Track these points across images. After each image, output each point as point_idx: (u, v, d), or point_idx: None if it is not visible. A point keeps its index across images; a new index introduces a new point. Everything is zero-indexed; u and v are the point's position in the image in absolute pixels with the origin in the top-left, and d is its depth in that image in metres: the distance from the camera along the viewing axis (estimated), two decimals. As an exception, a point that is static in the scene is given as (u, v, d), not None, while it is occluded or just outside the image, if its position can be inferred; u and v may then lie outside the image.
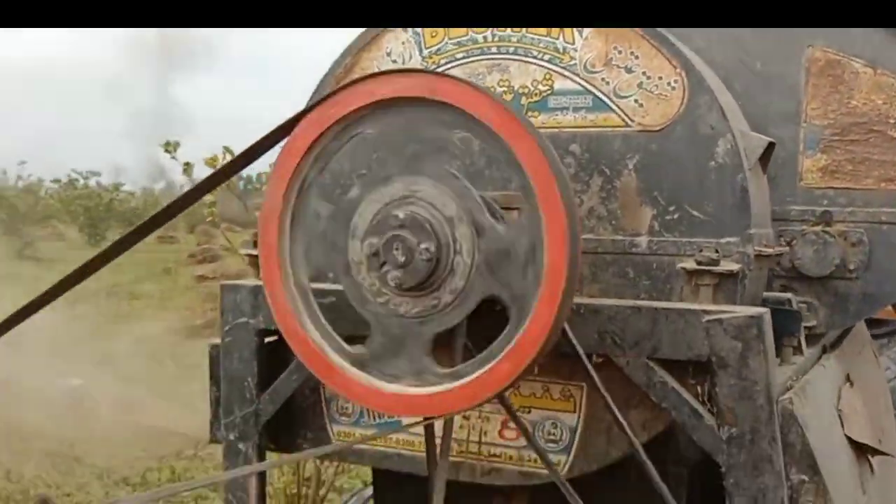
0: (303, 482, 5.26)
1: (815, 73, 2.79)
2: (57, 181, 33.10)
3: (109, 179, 36.10)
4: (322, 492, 5.27)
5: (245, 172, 6.27)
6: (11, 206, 26.20)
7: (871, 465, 2.68)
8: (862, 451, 2.58)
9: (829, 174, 2.78)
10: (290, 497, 5.21)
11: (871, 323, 4.79)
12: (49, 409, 8.81)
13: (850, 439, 2.49)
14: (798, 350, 2.53)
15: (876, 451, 2.63)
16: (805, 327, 2.68)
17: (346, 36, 2.64)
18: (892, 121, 2.72)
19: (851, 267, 2.75)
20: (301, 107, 2.13)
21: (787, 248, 2.69)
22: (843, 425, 2.48)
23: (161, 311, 15.92)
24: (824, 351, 2.87)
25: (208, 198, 5.03)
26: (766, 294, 2.53)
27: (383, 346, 2.04)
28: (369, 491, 3.72)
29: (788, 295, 2.58)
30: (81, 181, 32.90)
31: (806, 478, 2.07)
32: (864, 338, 3.66)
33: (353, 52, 2.62)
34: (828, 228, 2.75)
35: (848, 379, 2.82)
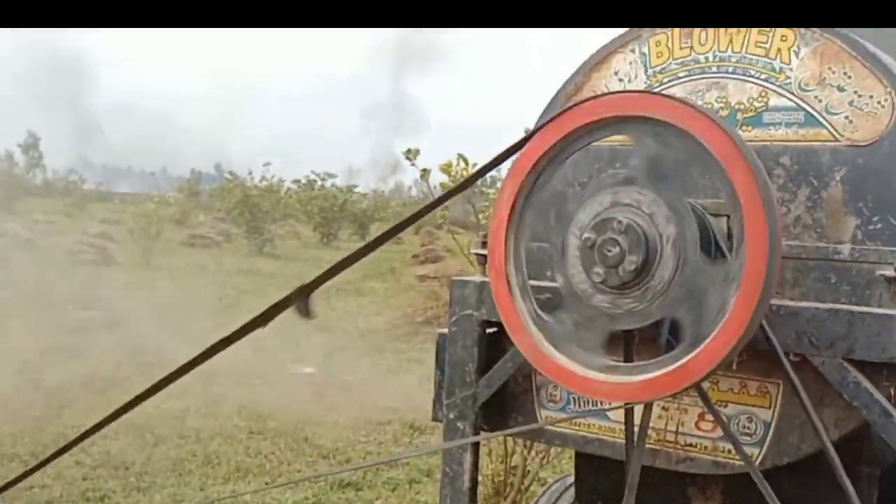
0: (509, 471, 5.53)
1: None
2: (297, 182, 35.07)
3: (344, 180, 37.93)
4: (526, 482, 5.52)
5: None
6: (255, 205, 27.92)
7: None
8: None
9: None
10: (496, 484, 5.50)
11: None
12: (283, 394, 9.52)
13: None
14: None
15: None
16: None
17: (584, 36, 2.81)
18: None
19: None
20: (537, 110, 2.36)
21: None
22: None
23: (384, 308, 16.63)
24: None
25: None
26: None
27: (590, 337, 2.26)
28: (571, 479, 3.93)
29: None
30: (319, 182, 34.72)
31: None
32: None
33: (584, 71, 2.83)
34: None
35: None
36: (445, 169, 4.73)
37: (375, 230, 37.69)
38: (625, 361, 2.38)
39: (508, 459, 5.56)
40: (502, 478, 5.53)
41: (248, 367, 10.26)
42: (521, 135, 2.34)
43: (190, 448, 7.33)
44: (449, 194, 2.57)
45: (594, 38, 2.86)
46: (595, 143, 2.33)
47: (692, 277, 2.09)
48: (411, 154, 5.01)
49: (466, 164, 4.79)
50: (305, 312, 1.95)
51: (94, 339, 11.65)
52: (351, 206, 34.66)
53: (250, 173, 31.29)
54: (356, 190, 36.75)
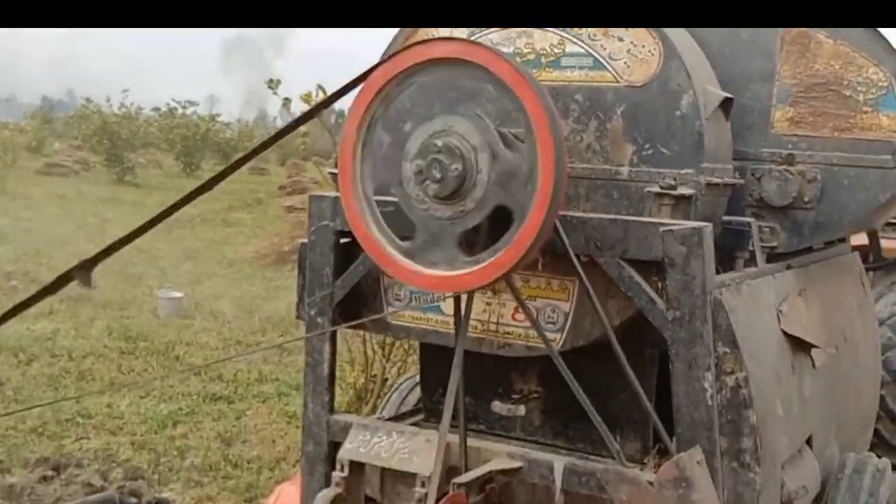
0: (370, 379, 6.12)
1: (787, 41, 3.41)
2: (156, 109, 34.45)
3: (206, 109, 37.44)
4: (385, 389, 6.11)
5: (338, 107, 7.06)
6: (114, 132, 27.45)
7: (812, 359, 3.34)
8: (800, 344, 3.25)
9: (794, 124, 3.42)
10: (358, 390, 6.08)
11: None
12: (152, 317, 9.85)
13: (785, 333, 3.16)
14: (751, 262, 3.21)
15: (810, 346, 3.29)
16: (768, 247, 3.37)
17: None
18: (845, 82, 3.33)
19: (806, 199, 3.38)
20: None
21: (741, 181, 3.32)
22: (779, 321, 3.16)
23: (252, 238, 16.90)
24: (788, 268, 3.51)
25: (302, 130, 5.84)
26: (730, 217, 3.21)
27: (424, 241, 2.80)
28: (417, 378, 4.44)
29: (747, 219, 3.25)
30: (180, 111, 34.16)
31: (727, 350, 2.76)
32: (851, 268, 4.30)
33: (415, 18, 3.32)
34: (790, 168, 3.40)
35: (801, 290, 3.46)
36: (306, 98, 5.17)
37: (240, 160, 37.32)
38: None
39: (369, 368, 6.14)
40: (364, 385, 6.10)
41: (115, 291, 10.52)
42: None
43: (63, 366, 7.67)
44: (299, 120, 3.02)
45: None
46: (423, 81, 2.84)
47: (504, 166, 2.63)
48: (273, 84, 5.42)
49: (325, 94, 5.23)
50: (87, 283, 2.19)
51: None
52: (214, 135, 34.32)
53: (108, 100, 30.66)
54: (219, 119, 36.38)
